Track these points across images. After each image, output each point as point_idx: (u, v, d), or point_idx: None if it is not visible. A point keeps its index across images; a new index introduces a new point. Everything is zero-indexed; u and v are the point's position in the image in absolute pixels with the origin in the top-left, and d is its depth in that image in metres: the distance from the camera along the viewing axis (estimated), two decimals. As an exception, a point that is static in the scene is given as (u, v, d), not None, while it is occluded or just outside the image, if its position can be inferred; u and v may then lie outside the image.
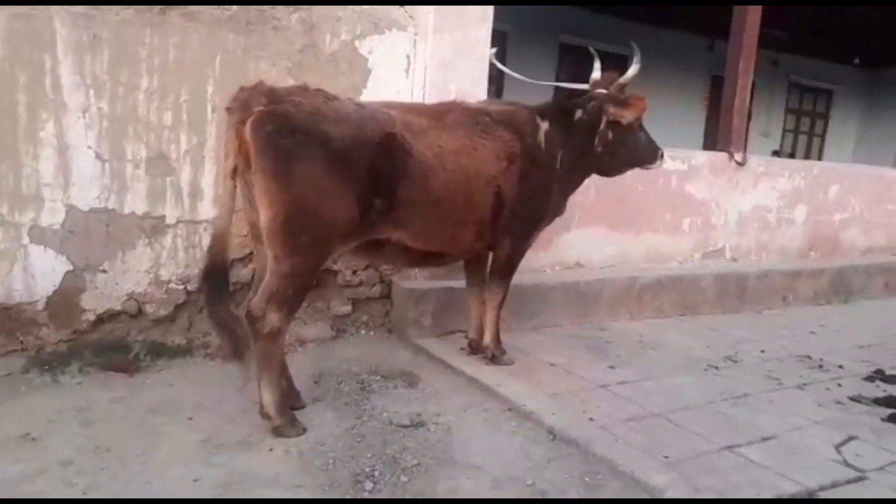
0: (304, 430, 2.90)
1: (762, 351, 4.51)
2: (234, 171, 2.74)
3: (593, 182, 4.95)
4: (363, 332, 4.38)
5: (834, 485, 2.63)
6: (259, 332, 2.77)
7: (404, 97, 4.23)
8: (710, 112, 11.45)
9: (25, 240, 3.33)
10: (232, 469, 2.58)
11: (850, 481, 2.67)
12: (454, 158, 3.15)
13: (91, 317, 3.53)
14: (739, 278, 5.78)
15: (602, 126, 3.69)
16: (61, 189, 3.38)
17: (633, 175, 5.10)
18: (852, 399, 3.64)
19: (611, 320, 5.00)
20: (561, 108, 3.74)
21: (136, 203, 3.57)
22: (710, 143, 11.13)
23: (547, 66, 9.67)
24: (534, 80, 3.89)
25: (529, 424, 3.10)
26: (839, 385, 3.87)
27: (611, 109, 3.63)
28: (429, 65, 4.20)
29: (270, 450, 2.75)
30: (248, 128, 2.60)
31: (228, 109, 2.71)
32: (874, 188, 7.05)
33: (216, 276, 2.81)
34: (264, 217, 2.69)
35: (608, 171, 3.95)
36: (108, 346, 3.58)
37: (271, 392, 2.84)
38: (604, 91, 3.70)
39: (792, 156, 12.77)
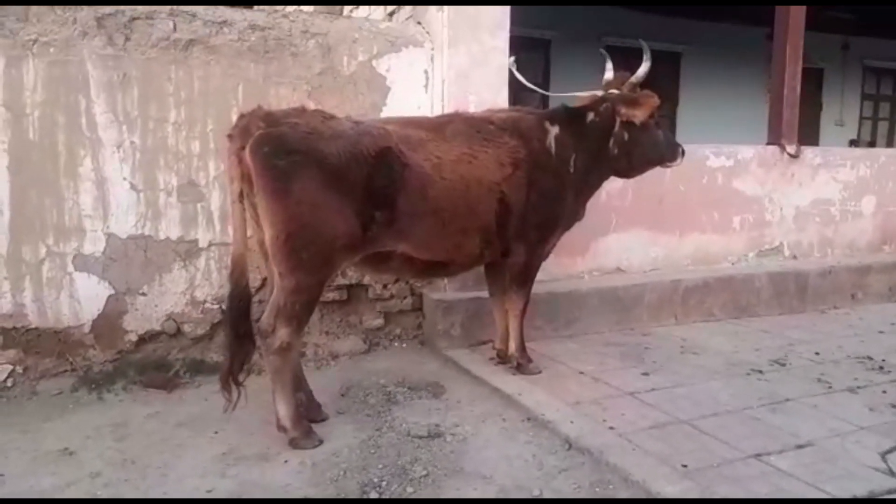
0: (321, 441, 2.96)
1: (816, 353, 4.22)
2: (241, 195, 2.86)
3: (630, 184, 4.88)
4: (396, 344, 4.44)
5: (871, 496, 2.42)
6: (269, 347, 2.87)
7: (425, 111, 4.28)
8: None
9: (70, 268, 3.59)
10: (245, 480, 2.66)
11: (891, 491, 2.45)
12: (452, 167, 3.17)
13: (133, 337, 3.76)
14: (798, 277, 5.45)
15: (616, 127, 3.62)
16: (101, 219, 3.62)
17: (672, 174, 4.99)
18: (911, 402, 3.35)
19: (655, 325, 4.82)
20: (571, 112, 3.70)
21: (170, 229, 3.78)
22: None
23: (593, 70, 9.50)
24: (545, 92, 3.85)
25: (546, 434, 3.04)
26: (894, 382, 3.58)
27: (622, 110, 3.55)
28: (446, 78, 4.23)
29: (285, 461, 2.82)
30: (247, 151, 2.72)
31: (230, 136, 2.84)
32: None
33: (239, 301, 2.92)
34: (267, 236, 2.79)
35: (627, 172, 3.86)
36: (151, 364, 3.79)
37: (286, 405, 2.93)
38: (615, 92, 3.62)
39: (872, 144, 11.94)
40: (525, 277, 3.68)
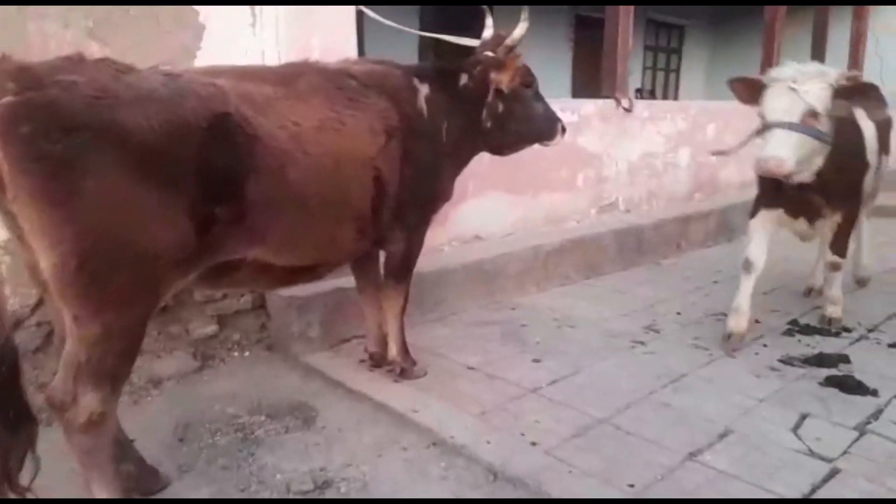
0: (169, 528, 2.15)
1: (678, 313, 4.25)
2: None
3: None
4: (236, 354, 3.59)
5: (813, 489, 2.31)
6: (72, 424, 1.94)
7: (254, 59, 3.36)
8: (577, 54, 11.25)
9: None
10: None
11: (825, 479, 2.37)
12: (317, 138, 2.40)
13: None
14: (637, 231, 5.54)
15: (490, 96, 3.06)
16: None
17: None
18: (783, 362, 3.43)
19: (518, 295, 4.55)
20: (443, 71, 3.08)
21: None
22: (578, 87, 10.99)
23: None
24: (414, 31, 3.15)
25: (461, 462, 2.54)
26: (764, 346, 3.67)
27: (493, 74, 3.01)
28: (281, 16, 3.34)
29: (122, 573, 1.98)
30: None
31: None
32: (745, 124, 7.04)
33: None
34: (46, 262, 1.81)
35: (500, 149, 3.30)
36: None
37: (108, 491, 2.04)
38: (490, 54, 3.05)
39: (652, 93, 13.00)
40: (406, 268, 3.08)
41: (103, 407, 1.96)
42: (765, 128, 3.14)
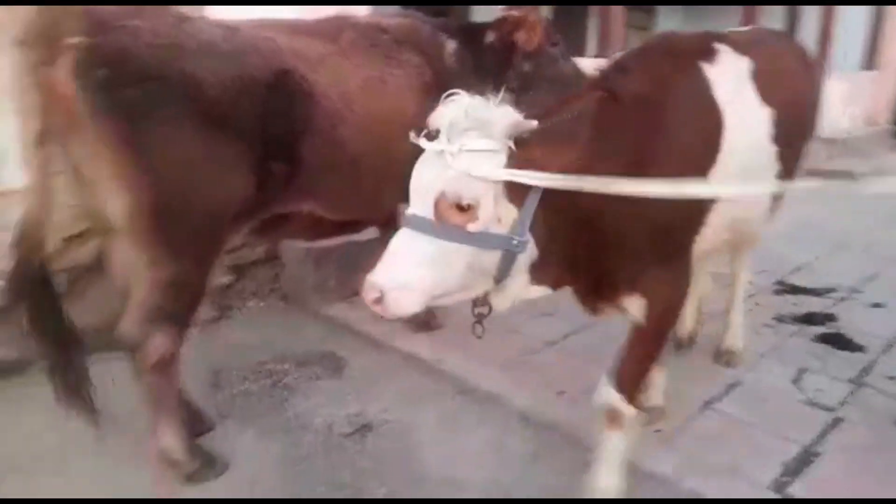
0: (226, 466, 2.24)
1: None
2: (43, 137, 1.82)
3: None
4: (252, 304, 3.62)
5: (822, 435, 2.52)
6: (144, 363, 2.00)
7: None
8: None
9: None
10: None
11: (830, 426, 2.58)
12: (363, 97, 2.42)
13: None
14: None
15: (517, 57, 3.06)
16: None
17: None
18: (777, 320, 3.65)
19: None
20: (468, 28, 3.10)
21: None
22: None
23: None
24: None
25: (493, 409, 2.67)
26: (757, 304, 3.86)
27: (517, 33, 3.00)
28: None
29: (188, 510, 2.06)
30: (64, 73, 1.69)
31: (23, 42, 1.74)
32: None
33: (32, 284, 1.95)
34: (119, 205, 1.86)
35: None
36: None
37: (174, 433, 2.13)
38: (515, 13, 3.06)
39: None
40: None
41: (172, 347, 2.04)
42: None
